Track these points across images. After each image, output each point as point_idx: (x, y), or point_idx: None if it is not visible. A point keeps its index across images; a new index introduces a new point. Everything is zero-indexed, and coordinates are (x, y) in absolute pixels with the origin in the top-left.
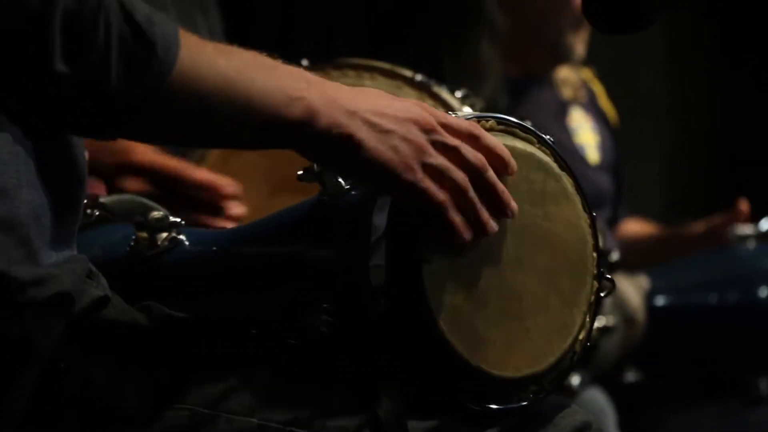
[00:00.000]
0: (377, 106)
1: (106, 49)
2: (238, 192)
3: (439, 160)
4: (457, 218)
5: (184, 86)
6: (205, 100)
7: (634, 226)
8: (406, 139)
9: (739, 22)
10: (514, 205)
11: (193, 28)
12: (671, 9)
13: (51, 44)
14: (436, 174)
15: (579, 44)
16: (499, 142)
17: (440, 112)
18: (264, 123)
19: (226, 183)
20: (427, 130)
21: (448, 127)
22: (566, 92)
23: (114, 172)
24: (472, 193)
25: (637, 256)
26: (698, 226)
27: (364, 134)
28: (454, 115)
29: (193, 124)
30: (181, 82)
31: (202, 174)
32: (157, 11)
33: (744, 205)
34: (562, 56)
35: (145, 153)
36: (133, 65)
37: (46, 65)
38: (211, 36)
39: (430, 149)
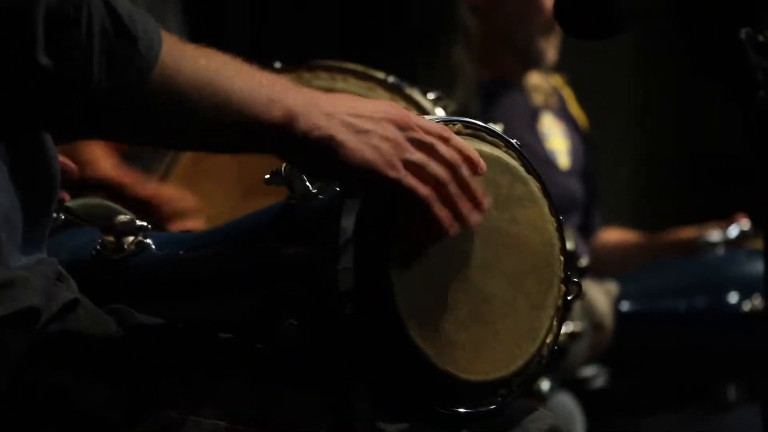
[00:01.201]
0: (353, 108)
1: (89, 44)
2: (193, 206)
3: (417, 155)
4: (442, 211)
5: (166, 84)
6: (185, 100)
7: (614, 234)
8: (384, 138)
9: (710, 29)
10: (487, 200)
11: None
12: (642, 16)
13: (33, 38)
14: (417, 169)
15: (550, 50)
16: (467, 143)
17: (412, 114)
18: (244, 125)
19: (178, 198)
20: (403, 128)
21: (420, 128)
22: (537, 98)
23: (75, 186)
24: (452, 186)
25: (617, 263)
26: (688, 232)
27: (344, 135)
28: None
29: (173, 123)
30: (162, 80)
31: (149, 190)
32: (138, 9)
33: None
34: (533, 61)
35: (104, 167)
36: (115, 60)
37: (29, 59)
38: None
39: (408, 146)
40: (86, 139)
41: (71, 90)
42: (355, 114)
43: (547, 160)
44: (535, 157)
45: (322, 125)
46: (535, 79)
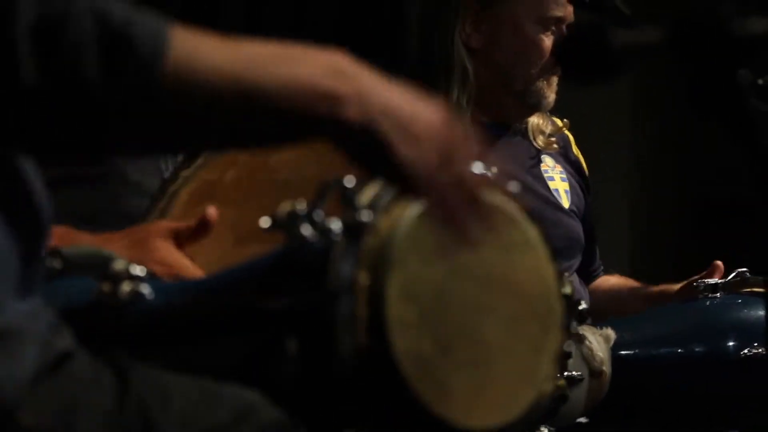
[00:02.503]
0: (409, 109)
1: (78, 56)
2: None
3: (458, 170)
4: (470, 228)
5: (180, 85)
6: (208, 99)
7: (615, 280)
8: (433, 148)
9: (708, 71)
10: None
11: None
12: (640, 58)
13: (14, 59)
14: (450, 186)
15: (549, 92)
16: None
17: (459, 139)
18: (284, 118)
19: None
20: (448, 145)
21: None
22: (539, 140)
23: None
24: (481, 204)
25: (610, 310)
26: (676, 287)
27: (394, 134)
28: None
29: (197, 124)
30: (175, 81)
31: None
32: (139, 10)
33: (718, 266)
34: (533, 104)
35: (163, 249)
36: (111, 68)
37: (13, 81)
38: None
39: (451, 160)
40: (93, 159)
41: (65, 109)
42: (410, 117)
43: (551, 202)
44: (539, 199)
45: (374, 121)
46: (536, 120)
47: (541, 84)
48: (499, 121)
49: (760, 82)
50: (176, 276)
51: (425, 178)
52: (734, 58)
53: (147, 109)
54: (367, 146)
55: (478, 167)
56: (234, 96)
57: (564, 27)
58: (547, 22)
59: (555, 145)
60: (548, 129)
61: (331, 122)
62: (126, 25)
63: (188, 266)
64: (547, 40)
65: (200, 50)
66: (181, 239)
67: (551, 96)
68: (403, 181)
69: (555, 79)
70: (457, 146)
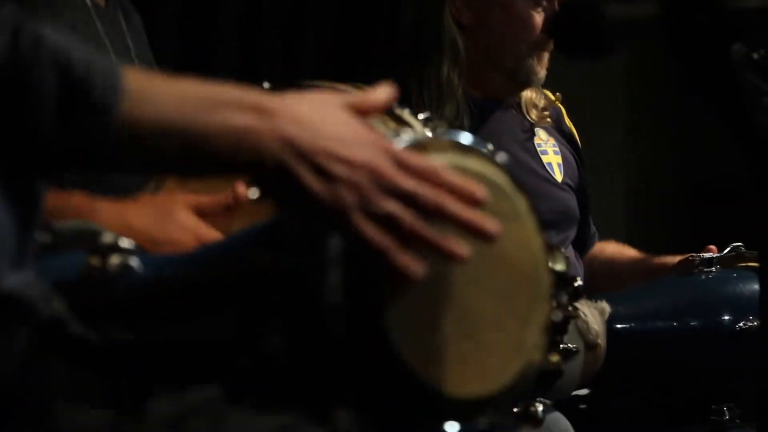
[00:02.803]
0: (334, 146)
1: (39, 105)
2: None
3: (384, 207)
4: (403, 260)
5: (126, 130)
6: (149, 144)
7: (613, 248)
8: (352, 187)
9: (702, 48)
10: (491, 225)
11: (119, 36)
12: (634, 35)
13: None
14: (384, 220)
15: (539, 68)
16: (460, 178)
17: (401, 152)
18: (212, 163)
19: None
20: (378, 178)
21: (407, 168)
22: (532, 114)
23: None
24: (425, 231)
25: (616, 280)
26: (676, 260)
27: (309, 180)
28: (405, 137)
29: (140, 163)
30: (123, 127)
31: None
32: (97, 53)
33: (712, 250)
34: (523, 80)
35: (187, 217)
36: (67, 118)
37: None
38: (136, 42)
39: (376, 197)
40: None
41: (23, 150)
42: (333, 155)
43: (544, 176)
44: (532, 173)
45: (290, 167)
46: (529, 94)
47: (532, 60)
48: (491, 97)
49: (755, 56)
50: (200, 244)
51: (346, 214)
52: (727, 32)
53: (97, 152)
54: (284, 185)
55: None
56: (172, 142)
57: (556, 3)
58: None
59: (548, 119)
60: (541, 103)
61: (250, 164)
62: (85, 75)
63: (213, 234)
64: (538, 17)
65: (147, 97)
66: (207, 213)
67: (542, 72)
68: (326, 220)
69: (546, 55)
70: (389, 173)
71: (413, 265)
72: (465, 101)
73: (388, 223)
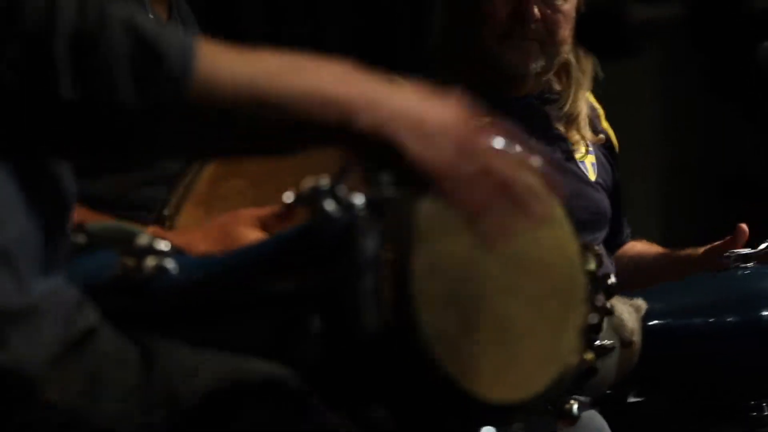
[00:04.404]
0: (419, 110)
1: (113, 70)
2: None
3: (479, 163)
4: (498, 223)
5: (205, 97)
6: (229, 110)
7: (641, 246)
8: (447, 144)
9: (728, 52)
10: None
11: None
12: (658, 35)
13: (54, 72)
14: (474, 179)
15: (518, 58)
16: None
17: (476, 130)
18: (298, 128)
19: None
20: (465, 143)
21: (480, 147)
22: (583, 130)
23: None
24: (516, 188)
25: (642, 276)
26: (700, 251)
27: (406, 136)
28: None
29: (220, 134)
30: (200, 94)
31: None
32: (167, 25)
33: (743, 230)
34: (511, 74)
35: (251, 236)
36: (143, 84)
37: (52, 94)
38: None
39: (470, 154)
40: (120, 164)
41: (100, 120)
42: (420, 116)
43: (578, 174)
44: (565, 172)
45: (384, 125)
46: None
47: (507, 50)
48: (520, 92)
49: None
50: None
51: (445, 174)
52: (753, 33)
53: (174, 121)
54: (381, 151)
55: (501, 143)
56: (252, 109)
57: None
58: None
59: (601, 136)
60: (586, 111)
61: (342, 130)
62: (157, 41)
63: None
64: (501, 4)
65: (222, 64)
66: (269, 225)
67: (526, 62)
68: (423, 182)
69: (525, 43)
70: (474, 138)
71: (504, 230)
72: (487, 96)
73: (477, 184)
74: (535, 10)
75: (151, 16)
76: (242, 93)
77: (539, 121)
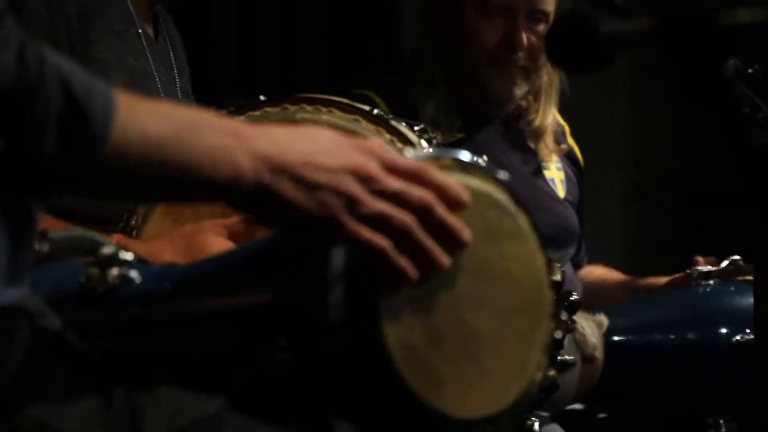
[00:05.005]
0: (311, 157)
1: (43, 126)
2: None
3: (374, 207)
4: (401, 261)
5: (118, 158)
6: (136, 168)
7: (600, 271)
8: (337, 192)
9: (696, 67)
10: (466, 233)
11: (167, 69)
12: (629, 49)
13: None
14: (375, 221)
15: (502, 83)
16: (449, 178)
17: (388, 154)
18: (193, 185)
19: None
20: (364, 179)
21: (393, 169)
22: (547, 141)
23: None
24: (418, 233)
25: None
26: (662, 281)
27: (290, 193)
28: (407, 154)
29: (127, 187)
30: (114, 155)
31: None
32: (91, 74)
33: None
34: (492, 96)
35: (218, 245)
36: (69, 142)
37: None
38: (180, 74)
39: (365, 198)
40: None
41: (21, 171)
42: (311, 164)
43: (546, 191)
44: (534, 188)
45: (269, 183)
46: (546, 120)
47: (493, 77)
48: (490, 109)
49: (750, 71)
50: None
51: (336, 220)
52: (721, 48)
53: (90, 177)
54: (266, 204)
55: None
56: (159, 169)
57: (519, 23)
58: (488, 10)
59: (563, 146)
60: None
61: (229, 184)
62: (86, 99)
63: None
64: (489, 31)
65: (134, 126)
66: (236, 233)
67: (511, 89)
68: (317, 231)
69: (512, 70)
70: (376, 173)
71: (410, 267)
72: (463, 112)
73: (380, 224)
74: (524, 37)
75: (140, 31)
76: (151, 155)
77: (515, 138)
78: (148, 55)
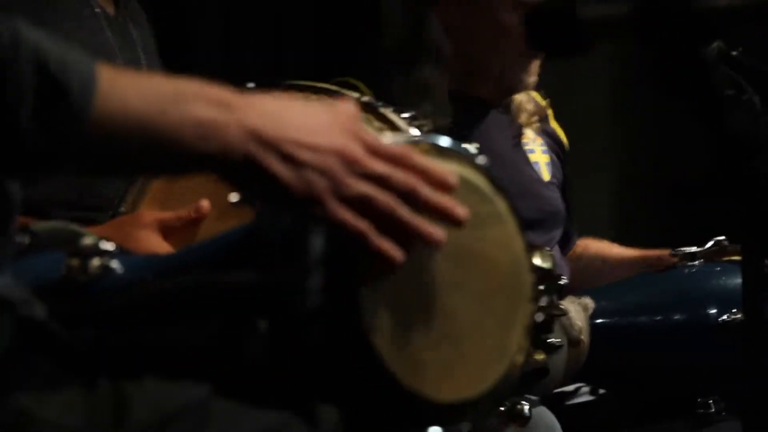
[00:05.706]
0: (300, 134)
1: (18, 102)
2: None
3: (357, 189)
4: (382, 243)
5: (100, 133)
6: (120, 142)
7: (598, 245)
8: (322, 172)
9: (674, 52)
10: (460, 209)
11: (130, 46)
12: (608, 33)
13: None
14: (358, 204)
15: (525, 76)
16: (433, 162)
17: (371, 138)
18: (180, 157)
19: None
20: (350, 161)
21: (377, 153)
22: (522, 117)
23: None
24: (401, 212)
25: (595, 275)
26: (665, 253)
27: (277, 168)
28: (385, 139)
29: (113, 161)
30: (96, 130)
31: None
32: (72, 50)
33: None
34: (508, 87)
35: (149, 240)
36: (46, 117)
37: None
38: (146, 51)
39: (348, 180)
40: (22, 182)
41: (3, 148)
42: (299, 143)
43: (532, 175)
44: (520, 172)
45: (257, 157)
46: (519, 98)
47: (518, 68)
48: (480, 97)
49: (734, 53)
50: None
51: (320, 200)
52: (701, 32)
53: (73, 153)
54: (252, 177)
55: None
56: (143, 141)
57: None
58: (519, 5)
59: (537, 123)
60: (530, 106)
61: (216, 157)
62: (63, 73)
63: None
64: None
65: (116, 94)
66: (169, 229)
67: (529, 79)
68: (299, 208)
69: (535, 63)
70: (362, 160)
71: (392, 248)
72: (449, 101)
73: (362, 207)
74: None
75: (97, 10)
76: (133, 128)
77: (507, 125)
78: (108, 33)
